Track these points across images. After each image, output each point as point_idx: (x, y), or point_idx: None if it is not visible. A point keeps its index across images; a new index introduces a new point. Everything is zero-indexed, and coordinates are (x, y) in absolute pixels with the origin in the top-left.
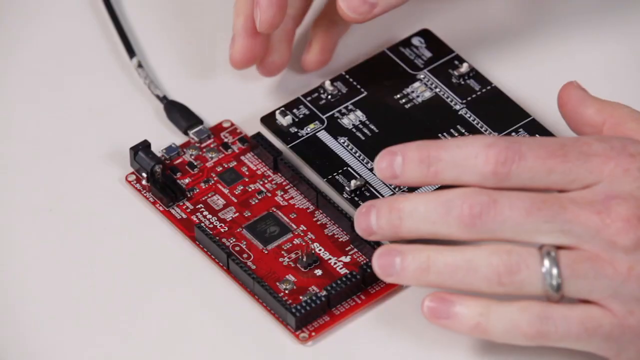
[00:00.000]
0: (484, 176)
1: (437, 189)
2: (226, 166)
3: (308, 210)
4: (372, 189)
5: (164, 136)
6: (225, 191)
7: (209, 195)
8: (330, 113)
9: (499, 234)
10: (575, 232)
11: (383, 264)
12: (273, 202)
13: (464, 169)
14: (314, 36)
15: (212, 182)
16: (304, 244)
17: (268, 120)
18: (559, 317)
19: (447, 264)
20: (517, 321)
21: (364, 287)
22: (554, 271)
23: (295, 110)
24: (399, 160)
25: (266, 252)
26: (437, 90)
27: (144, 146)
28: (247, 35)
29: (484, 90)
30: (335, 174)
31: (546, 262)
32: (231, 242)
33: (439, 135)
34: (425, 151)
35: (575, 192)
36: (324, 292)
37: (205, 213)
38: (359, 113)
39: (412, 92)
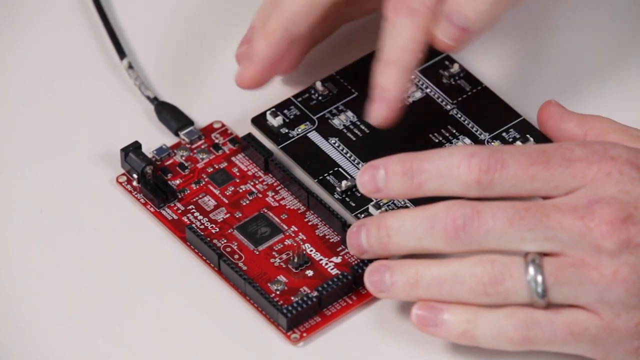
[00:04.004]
0: (468, 185)
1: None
2: (217, 167)
3: (299, 211)
4: None
5: (155, 137)
6: (216, 192)
7: (200, 196)
8: (321, 114)
9: (484, 245)
10: (559, 238)
11: (374, 281)
12: (264, 203)
13: (447, 179)
14: None
15: (203, 183)
16: (295, 244)
17: (259, 121)
18: (545, 322)
19: (434, 277)
20: (503, 327)
21: (355, 288)
22: (539, 279)
23: (286, 111)
24: (382, 174)
25: (257, 253)
26: (428, 90)
27: (135, 147)
28: (266, 62)
29: (474, 90)
30: (326, 175)
31: (531, 270)
32: (222, 243)
33: (430, 135)
34: (407, 163)
35: (559, 198)
36: (315, 293)
37: (196, 214)
38: (349, 114)
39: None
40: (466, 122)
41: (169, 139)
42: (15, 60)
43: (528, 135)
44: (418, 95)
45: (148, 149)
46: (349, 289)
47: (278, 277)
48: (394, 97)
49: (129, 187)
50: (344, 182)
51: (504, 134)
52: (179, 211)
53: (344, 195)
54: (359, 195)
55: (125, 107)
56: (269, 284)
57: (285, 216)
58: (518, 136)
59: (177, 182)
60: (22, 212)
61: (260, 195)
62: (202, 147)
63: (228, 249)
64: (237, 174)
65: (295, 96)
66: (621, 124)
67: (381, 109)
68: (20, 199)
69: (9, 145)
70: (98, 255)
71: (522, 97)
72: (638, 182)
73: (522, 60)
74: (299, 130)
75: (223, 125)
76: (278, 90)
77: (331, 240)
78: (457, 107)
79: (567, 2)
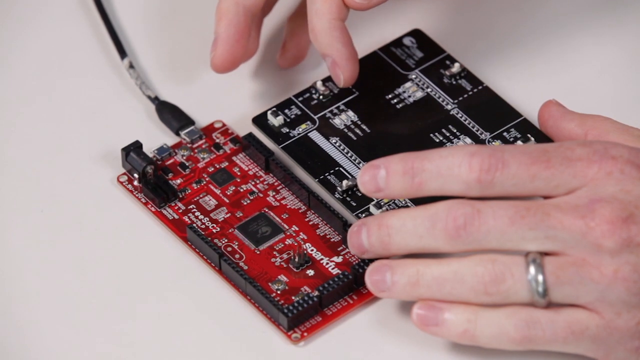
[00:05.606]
0: (469, 185)
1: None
2: (218, 167)
3: (300, 211)
4: None
5: (156, 137)
6: (217, 192)
7: (201, 195)
8: (322, 113)
9: (485, 244)
10: (560, 237)
11: (375, 281)
12: (265, 202)
13: (448, 178)
14: (288, 34)
15: (204, 182)
16: (295, 244)
17: (260, 120)
18: (545, 321)
19: (434, 276)
20: (504, 327)
21: (355, 288)
22: (540, 278)
23: (286, 111)
24: (383, 174)
25: (258, 252)
26: (429, 90)
27: (136, 147)
28: (230, 40)
29: (475, 90)
30: (327, 174)
31: (531, 270)
32: (223, 242)
33: (430, 135)
34: (408, 163)
35: (559, 197)
36: (316, 293)
37: (197, 214)
38: (350, 113)
39: (404, 92)
40: (467, 121)
41: (170, 139)
42: (16, 60)
43: (529, 135)
44: (419, 94)
45: (149, 149)
46: (349, 288)
47: (279, 277)
48: (339, 57)
49: (129, 186)
50: (344, 182)
51: (504, 133)
52: (180, 211)
53: (344, 195)
54: (359, 194)
55: (126, 106)
56: (269, 284)
57: (286, 216)
58: (519, 136)
59: (178, 181)
60: (23, 211)
61: (261, 195)
62: (203, 146)
63: (229, 249)
64: (238, 173)
65: (296, 96)
66: (622, 123)
67: (337, 76)
68: (20, 199)
69: (9, 145)
70: (99, 254)
71: (522, 97)
72: (639, 181)
73: (523, 60)
74: (300, 129)
75: (224, 125)
76: (279, 90)
77: (332, 240)
78: (458, 106)
79: (567, 2)
